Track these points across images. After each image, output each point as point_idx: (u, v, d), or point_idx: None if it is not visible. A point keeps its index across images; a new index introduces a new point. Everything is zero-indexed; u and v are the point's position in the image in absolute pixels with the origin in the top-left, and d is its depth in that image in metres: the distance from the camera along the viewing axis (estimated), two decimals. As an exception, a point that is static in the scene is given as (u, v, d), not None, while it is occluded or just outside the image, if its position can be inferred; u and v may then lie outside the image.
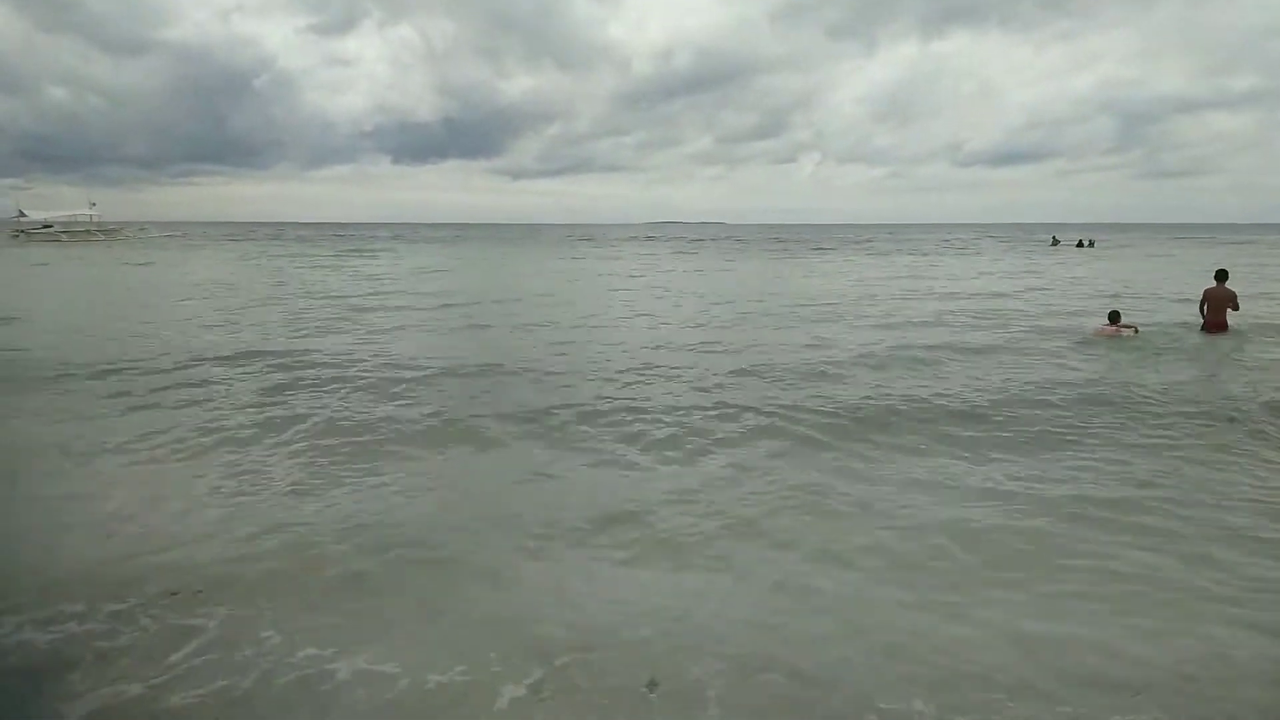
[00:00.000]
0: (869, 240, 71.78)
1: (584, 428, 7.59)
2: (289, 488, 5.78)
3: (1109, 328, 12.94)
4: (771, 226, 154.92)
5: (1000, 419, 7.89)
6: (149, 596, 4.08)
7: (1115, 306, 13.89)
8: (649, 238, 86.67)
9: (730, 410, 8.21)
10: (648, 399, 8.71)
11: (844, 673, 3.48)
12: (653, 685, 3.36)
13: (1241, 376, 9.90)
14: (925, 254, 45.38)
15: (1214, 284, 12.69)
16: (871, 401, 8.62)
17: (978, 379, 9.91)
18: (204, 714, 3.20)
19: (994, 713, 3.17)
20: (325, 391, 9.13)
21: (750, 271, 32.93)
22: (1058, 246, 52.37)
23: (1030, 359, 11.35)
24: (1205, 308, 12.85)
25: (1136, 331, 12.79)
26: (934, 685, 3.36)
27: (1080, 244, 52.05)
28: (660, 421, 7.75)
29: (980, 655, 3.58)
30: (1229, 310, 12.64)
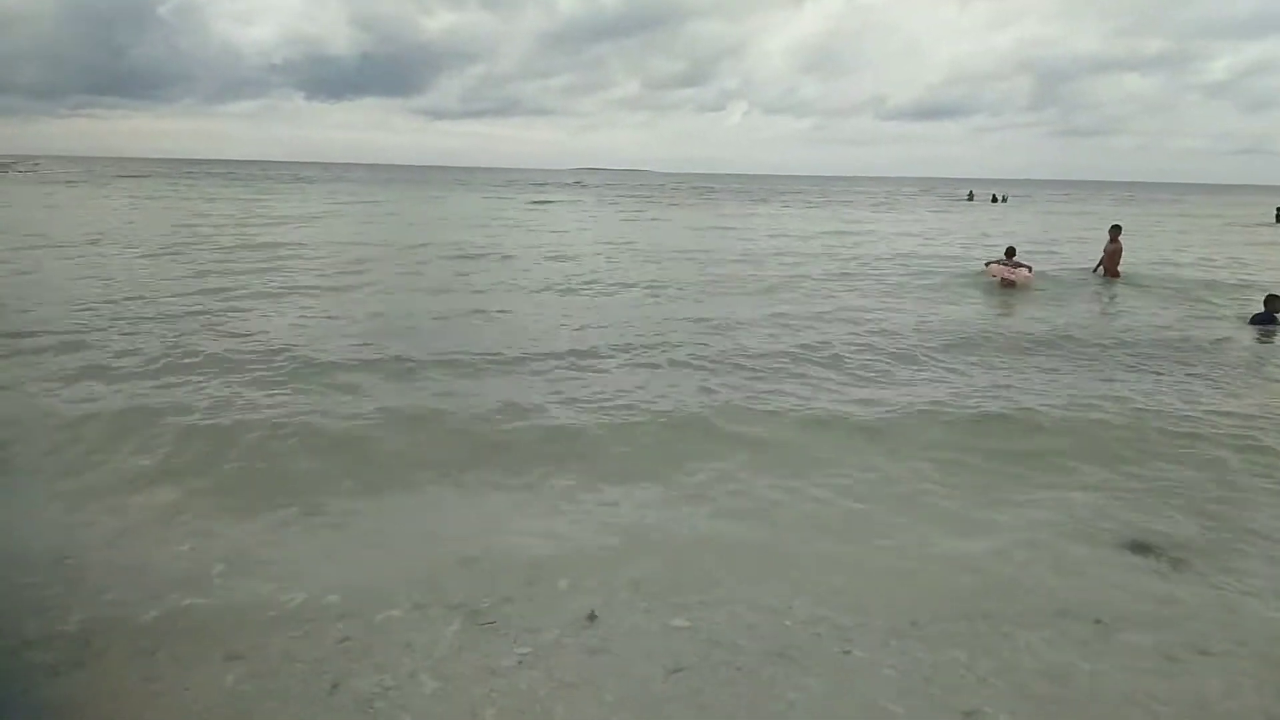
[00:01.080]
0: (799, 192, 72.46)
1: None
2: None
3: (1003, 266, 13.95)
4: (700, 175, 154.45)
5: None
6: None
7: (1019, 256, 14.74)
8: (578, 183, 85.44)
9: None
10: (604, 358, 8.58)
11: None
12: (592, 617, 3.47)
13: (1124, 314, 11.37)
14: (851, 206, 46.08)
15: (1109, 239, 14.81)
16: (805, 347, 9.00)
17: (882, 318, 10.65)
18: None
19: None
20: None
21: (683, 222, 32.88)
22: (974, 201, 53.83)
23: (912, 300, 12.47)
24: (1104, 256, 14.82)
25: (1030, 271, 13.84)
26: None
27: (995, 199, 53.70)
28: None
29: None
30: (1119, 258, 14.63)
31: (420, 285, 13.16)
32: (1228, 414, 6.59)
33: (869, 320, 10.58)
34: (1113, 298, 13.09)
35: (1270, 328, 10.45)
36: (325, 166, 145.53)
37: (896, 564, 4.04)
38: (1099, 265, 14.85)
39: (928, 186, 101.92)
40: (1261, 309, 10.75)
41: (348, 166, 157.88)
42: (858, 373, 7.89)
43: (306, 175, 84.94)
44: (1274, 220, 34.82)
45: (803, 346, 8.87)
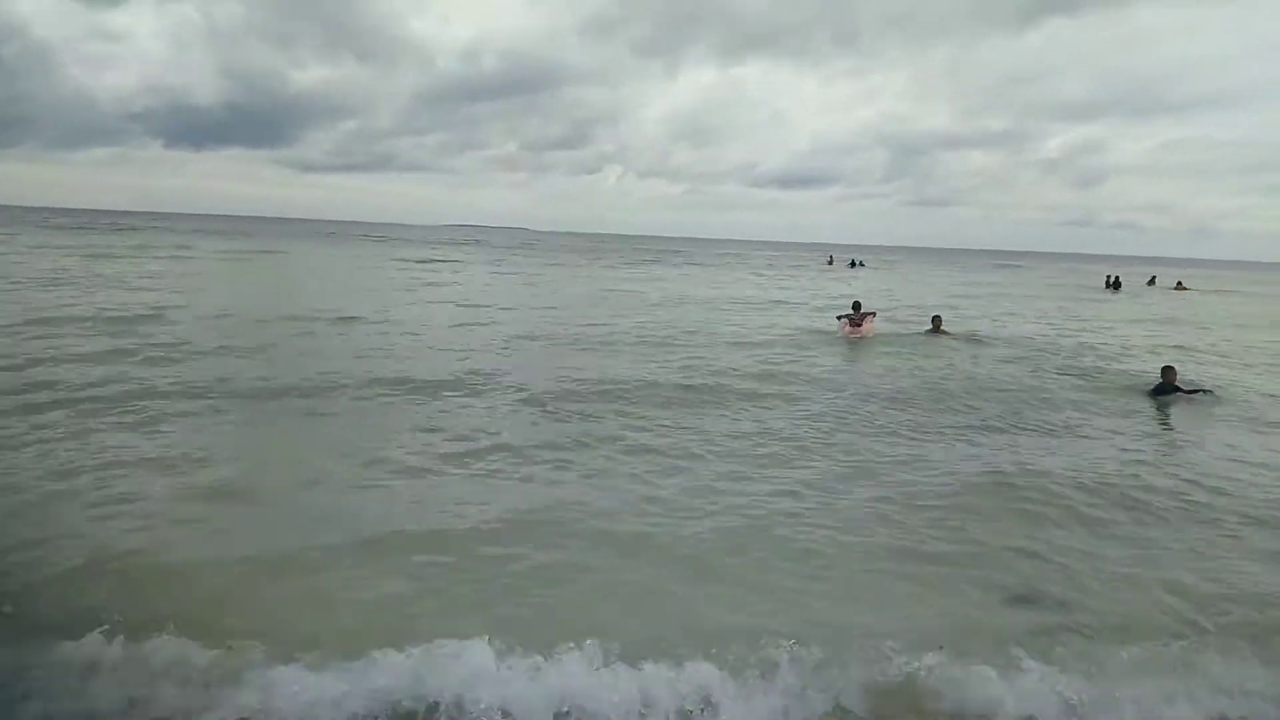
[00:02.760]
0: (677, 252, 75.42)
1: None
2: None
3: (851, 322, 16.31)
4: (578, 235, 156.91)
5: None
6: None
7: (866, 312, 17.20)
8: (460, 241, 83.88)
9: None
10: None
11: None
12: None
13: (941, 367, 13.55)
14: (726, 270, 48.79)
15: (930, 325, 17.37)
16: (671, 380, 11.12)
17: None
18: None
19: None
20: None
21: (560, 277, 34.27)
22: (833, 265, 57.90)
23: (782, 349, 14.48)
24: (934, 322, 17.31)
25: (871, 332, 16.27)
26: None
27: (852, 264, 58.01)
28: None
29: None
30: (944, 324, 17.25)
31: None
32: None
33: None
34: (971, 356, 15.20)
35: (1167, 398, 11.15)
36: (183, 217, 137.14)
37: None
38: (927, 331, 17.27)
39: (791, 250, 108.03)
40: (1159, 379, 11.49)
41: (207, 218, 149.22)
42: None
43: (156, 225, 79.73)
44: (1104, 286, 39.59)
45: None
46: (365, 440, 7.77)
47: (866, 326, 16.11)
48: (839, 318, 17.15)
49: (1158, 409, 10.81)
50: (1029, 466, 7.71)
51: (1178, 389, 11.28)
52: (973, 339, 16.91)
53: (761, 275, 43.01)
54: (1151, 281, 40.63)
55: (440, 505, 6.16)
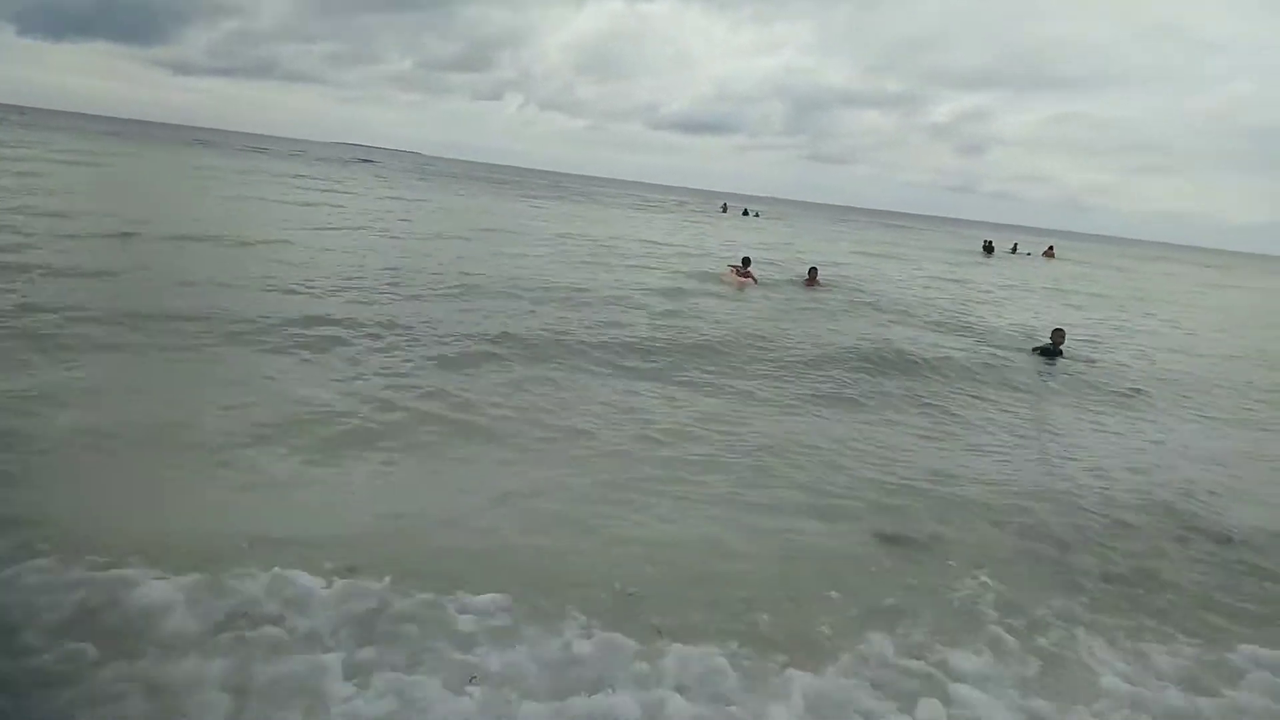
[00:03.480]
0: (580, 192, 74.43)
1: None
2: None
3: (738, 272, 16.84)
4: (474, 164, 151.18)
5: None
6: None
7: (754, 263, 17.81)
8: (347, 160, 78.88)
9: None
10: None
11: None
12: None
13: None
14: (629, 210, 48.62)
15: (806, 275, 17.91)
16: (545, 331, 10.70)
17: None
18: None
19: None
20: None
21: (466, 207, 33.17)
22: (726, 213, 58.48)
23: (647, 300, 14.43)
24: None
25: (756, 281, 16.70)
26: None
27: (745, 213, 58.75)
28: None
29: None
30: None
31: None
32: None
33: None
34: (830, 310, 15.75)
35: (1051, 360, 11.62)
36: (39, 113, 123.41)
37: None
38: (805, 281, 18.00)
39: (690, 195, 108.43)
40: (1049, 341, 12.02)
41: (67, 115, 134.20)
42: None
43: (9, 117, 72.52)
44: (981, 251, 41.61)
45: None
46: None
47: (747, 276, 16.89)
48: (729, 266, 17.85)
49: (1036, 369, 11.36)
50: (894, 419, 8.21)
51: (1060, 352, 11.80)
52: (849, 290, 17.67)
53: (664, 218, 43.26)
54: (1014, 249, 43.01)
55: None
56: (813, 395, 8.62)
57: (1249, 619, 4.66)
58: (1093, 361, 12.07)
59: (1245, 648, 4.29)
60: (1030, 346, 12.49)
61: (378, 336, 8.82)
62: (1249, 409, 10.64)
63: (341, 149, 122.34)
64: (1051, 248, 45.36)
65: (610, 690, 3.39)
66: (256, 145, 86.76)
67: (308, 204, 24.98)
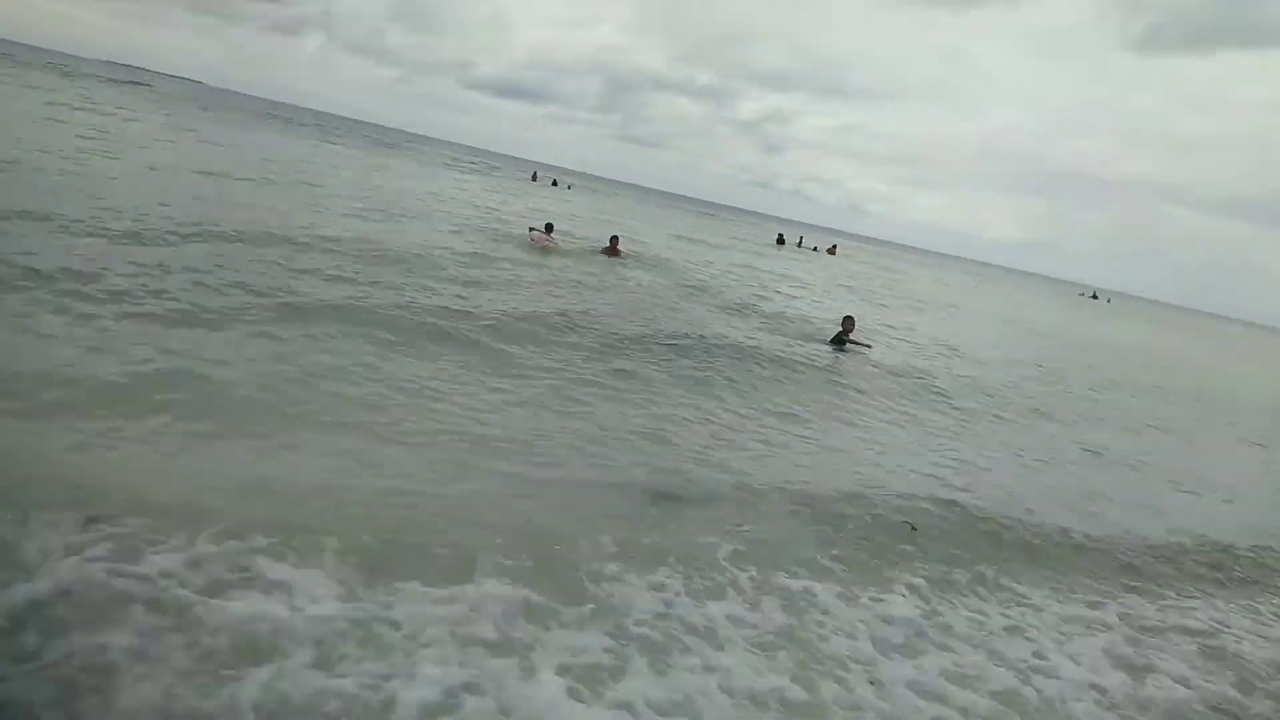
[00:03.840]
0: (393, 142, 70.52)
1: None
2: None
3: (541, 234, 17.40)
4: (270, 102, 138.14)
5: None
6: None
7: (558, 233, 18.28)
8: (120, 80, 67.28)
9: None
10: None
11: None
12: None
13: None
14: (437, 168, 46.75)
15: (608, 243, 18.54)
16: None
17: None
18: None
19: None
20: None
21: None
22: (536, 182, 58.04)
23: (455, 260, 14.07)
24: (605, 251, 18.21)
25: (559, 245, 17.38)
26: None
27: (555, 183, 58.62)
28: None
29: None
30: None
31: None
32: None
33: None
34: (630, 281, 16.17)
35: (841, 347, 12.25)
36: None
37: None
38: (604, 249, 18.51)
39: (501, 160, 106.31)
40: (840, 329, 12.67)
41: None
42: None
43: None
44: (774, 243, 44.04)
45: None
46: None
47: (551, 240, 17.46)
48: (530, 229, 18.09)
49: (829, 355, 12.11)
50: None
51: (851, 340, 12.45)
52: (649, 264, 18.42)
53: (474, 179, 42.15)
54: (800, 242, 46.40)
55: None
56: (608, 370, 8.70)
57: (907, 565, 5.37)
58: (869, 347, 12.97)
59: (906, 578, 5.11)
60: (821, 335, 13.20)
61: (120, 291, 7.48)
62: (1001, 407, 11.57)
63: (113, 69, 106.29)
64: (834, 246, 49.15)
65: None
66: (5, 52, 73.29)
67: (54, 120, 21.59)
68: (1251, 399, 19.90)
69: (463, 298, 10.44)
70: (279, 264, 9.92)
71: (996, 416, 10.80)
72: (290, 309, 8.13)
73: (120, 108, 32.31)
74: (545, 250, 16.84)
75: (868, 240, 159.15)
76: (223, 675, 2.94)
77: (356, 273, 10.49)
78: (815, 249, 46.20)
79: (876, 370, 11.77)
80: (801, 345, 12.33)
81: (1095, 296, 78.61)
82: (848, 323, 12.76)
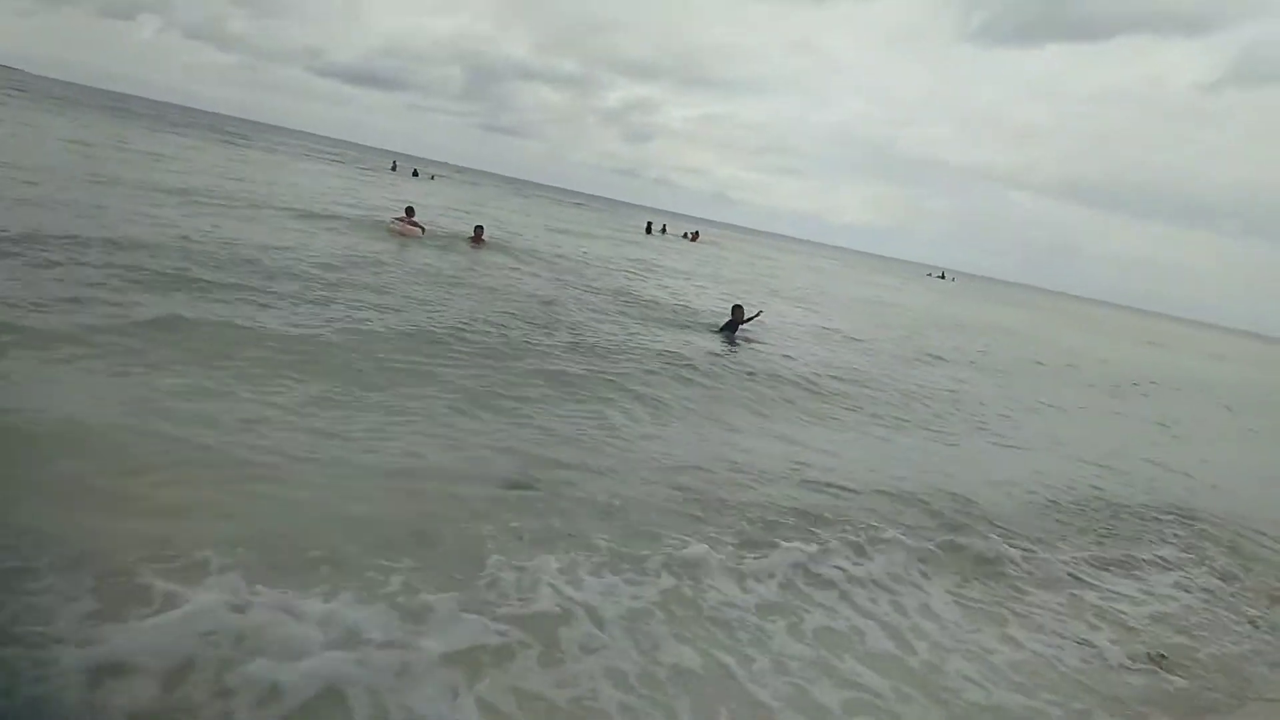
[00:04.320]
0: (241, 133, 65.67)
1: None
2: None
3: (403, 223, 16.88)
4: (100, 91, 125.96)
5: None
6: None
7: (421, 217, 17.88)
8: None
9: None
10: None
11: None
12: None
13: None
14: (291, 159, 44.11)
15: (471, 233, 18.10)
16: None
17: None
18: None
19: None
20: None
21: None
22: (396, 171, 56.10)
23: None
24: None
25: (423, 230, 16.96)
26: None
27: (416, 174, 56.86)
28: None
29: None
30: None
31: None
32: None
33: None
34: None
35: (732, 334, 12.25)
36: None
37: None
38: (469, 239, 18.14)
39: (356, 151, 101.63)
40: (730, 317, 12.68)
41: None
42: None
43: None
44: (644, 231, 44.34)
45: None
46: None
47: (412, 227, 16.98)
48: (394, 218, 17.50)
49: (723, 341, 12.20)
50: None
51: (742, 323, 12.57)
52: (517, 253, 18.24)
53: (330, 170, 40.22)
54: (663, 230, 47.06)
55: None
56: (475, 357, 8.41)
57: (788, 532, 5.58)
58: (760, 313, 13.21)
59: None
60: (705, 323, 13.26)
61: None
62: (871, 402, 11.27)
63: None
64: (696, 233, 50.11)
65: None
66: None
67: None
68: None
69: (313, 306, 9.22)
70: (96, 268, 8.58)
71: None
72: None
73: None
74: (407, 235, 16.49)
75: (734, 228, 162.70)
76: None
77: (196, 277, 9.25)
78: (685, 235, 47.02)
79: (765, 364, 11.67)
80: (689, 334, 12.31)
81: (943, 276, 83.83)
82: (737, 311, 12.80)
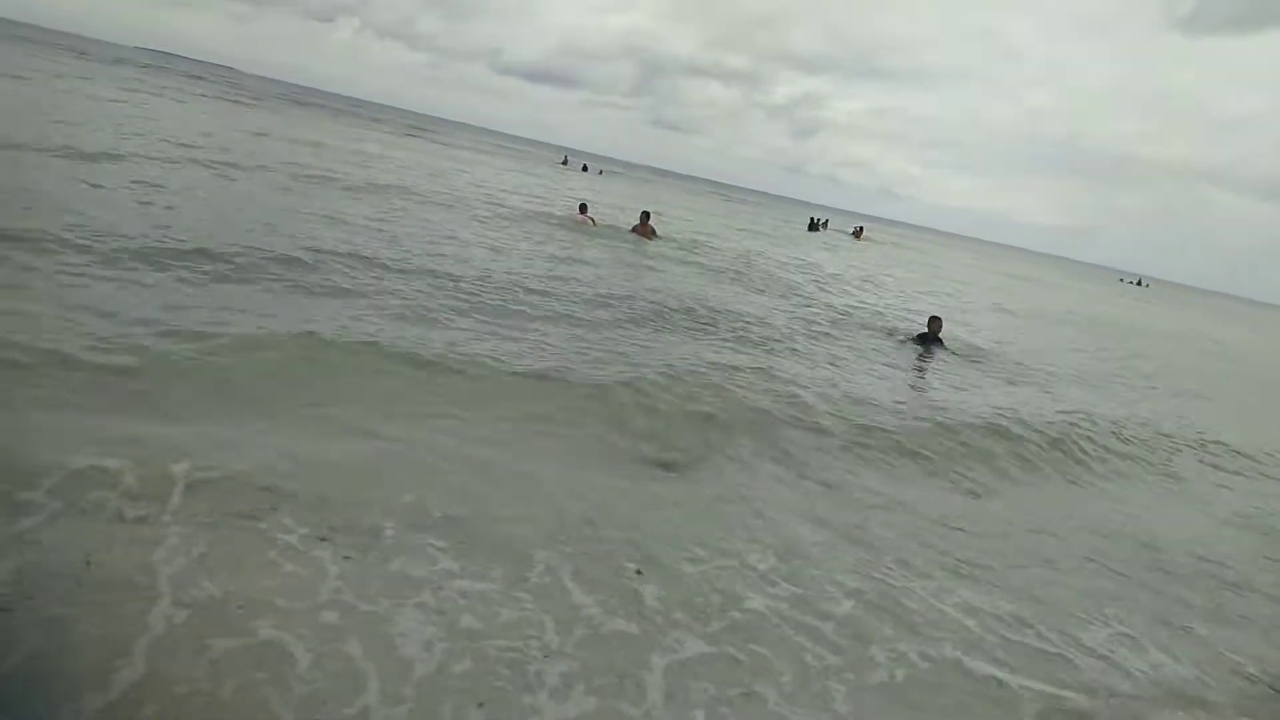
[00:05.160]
0: (424, 130, 70.01)
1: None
2: None
3: (579, 216, 18.04)
4: (300, 88, 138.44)
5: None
6: None
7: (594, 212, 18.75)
8: (141, 64, 66.99)
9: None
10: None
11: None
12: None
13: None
14: (475, 155, 46.44)
15: (639, 220, 18.59)
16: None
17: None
18: None
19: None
20: None
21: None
22: (567, 166, 57.50)
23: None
24: (634, 230, 18.40)
25: (595, 223, 17.89)
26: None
27: (585, 168, 58.06)
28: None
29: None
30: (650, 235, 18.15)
31: None
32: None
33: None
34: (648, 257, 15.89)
35: (929, 347, 11.28)
36: None
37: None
38: (634, 229, 18.45)
39: (534, 146, 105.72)
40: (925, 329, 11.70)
41: None
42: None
43: None
44: (807, 229, 43.05)
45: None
46: None
47: (586, 219, 17.96)
48: (575, 211, 18.61)
49: (917, 355, 11.07)
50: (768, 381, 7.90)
51: (939, 340, 11.48)
52: (683, 245, 18.38)
53: (510, 166, 41.89)
54: (825, 225, 45.25)
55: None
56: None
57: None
58: (976, 351, 12.04)
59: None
60: (894, 330, 12.37)
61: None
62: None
63: (140, 54, 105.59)
64: (861, 229, 48.11)
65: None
66: (30, 38, 73.14)
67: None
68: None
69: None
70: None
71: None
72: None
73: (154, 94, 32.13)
74: (582, 225, 17.54)
75: (900, 224, 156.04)
76: None
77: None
78: (852, 232, 45.29)
79: (984, 365, 11.11)
80: (885, 346, 11.33)
81: (1139, 283, 79.17)
82: (934, 323, 11.77)
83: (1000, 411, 8.21)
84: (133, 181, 10.83)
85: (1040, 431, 7.72)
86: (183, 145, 15.95)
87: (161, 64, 76.58)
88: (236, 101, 41.89)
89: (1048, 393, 10.20)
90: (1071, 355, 14.56)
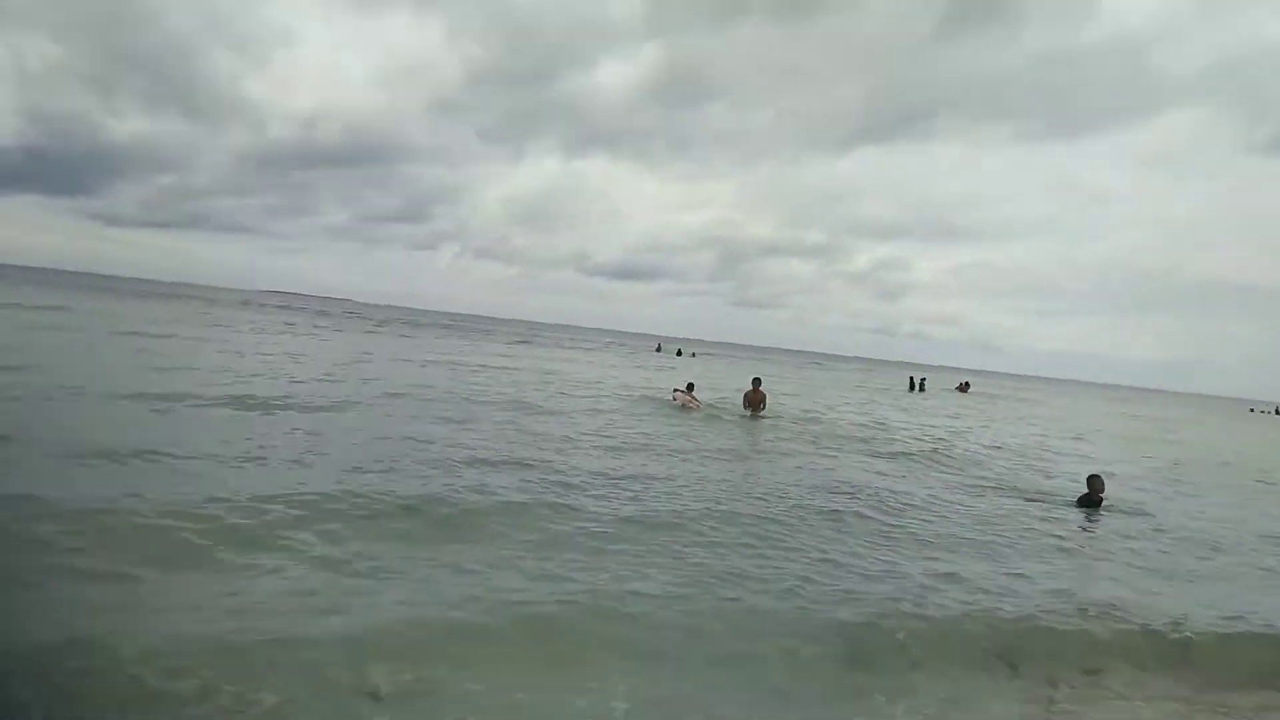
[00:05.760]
0: (523, 334, 73.80)
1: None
2: None
3: (683, 394, 18.34)
4: (406, 309, 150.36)
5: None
6: None
7: (696, 392, 18.95)
8: (266, 304, 74.24)
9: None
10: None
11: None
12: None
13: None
14: (568, 352, 48.33)
15: (750, 386, 18.44)
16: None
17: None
18: None
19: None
20: None
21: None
22: (661, 353, 58.87)
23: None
24: (746, 398, 18.33)
25: (700, 404, 18.11)
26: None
27: (679, 353, 59.42)
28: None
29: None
30: (762, 401, 18.13)
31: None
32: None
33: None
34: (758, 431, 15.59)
35: (1094, 511, 10.25)
36: None
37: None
38: (745, 404, 18.30)
39: (622, 337, 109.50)
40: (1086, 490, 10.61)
41: None
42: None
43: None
44: (908, 389, 41.80)
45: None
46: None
47: (692, 399, 18.37)
48: (676, 390, 19.14)
49: (1081, 524, 9.78)
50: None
51: (1101, 500, 10.40)
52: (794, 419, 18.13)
53: (606, 358, 43.29)
54: (922, 385, 43.32)
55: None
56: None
57: None
58: (1142, 513, 10.66)
59: None
60: (1052, 494, 11.33)
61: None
62: None
63: (266, 295, 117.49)
64: (967, 383, 46.67)
65: None
66: (181, 294, 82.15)
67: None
68: None
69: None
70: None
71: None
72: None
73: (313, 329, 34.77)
74: (688, 406, 17.88)
75: (1000, 375, 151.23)
76: None
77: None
78: (958, 387, 43.90)
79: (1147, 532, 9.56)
80: (1054, 511, 10.20)
81: (1278, 412, 75.95)
82: (1095, 483, 10.55)
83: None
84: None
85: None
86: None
87: (285, 304, 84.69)
88: (370, 333, 44.62)
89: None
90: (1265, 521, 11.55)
